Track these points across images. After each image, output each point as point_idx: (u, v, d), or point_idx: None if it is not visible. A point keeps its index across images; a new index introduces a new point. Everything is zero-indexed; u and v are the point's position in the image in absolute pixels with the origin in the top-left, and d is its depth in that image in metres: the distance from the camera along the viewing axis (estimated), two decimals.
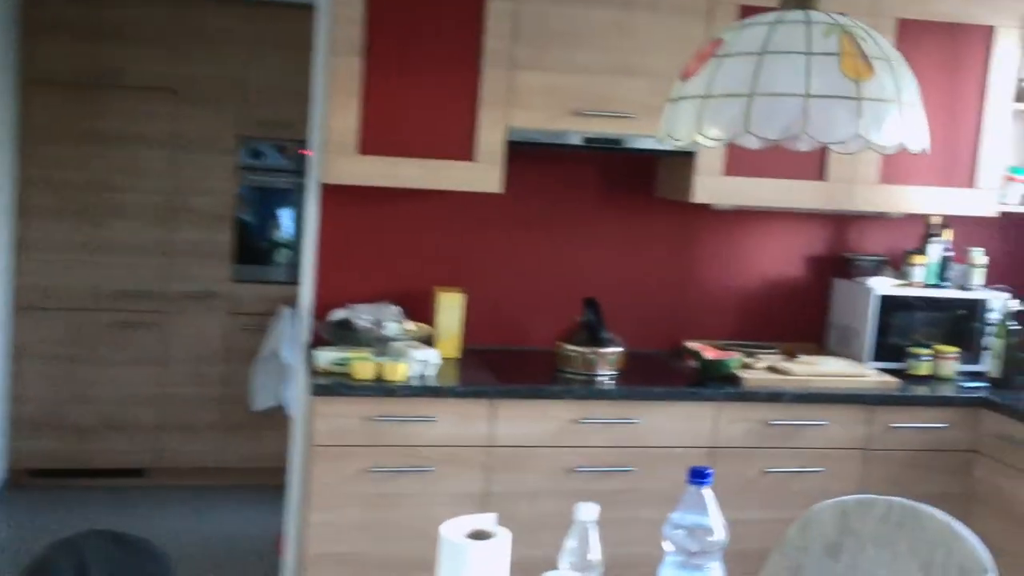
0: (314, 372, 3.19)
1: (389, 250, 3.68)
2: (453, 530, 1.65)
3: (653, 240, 3.80)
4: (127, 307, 5.04)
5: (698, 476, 1.69)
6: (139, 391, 5.06)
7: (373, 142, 3.33)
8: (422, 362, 3.21)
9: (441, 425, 3.11)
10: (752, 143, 1.87)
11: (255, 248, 5.18)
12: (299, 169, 5.12)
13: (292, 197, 5.17)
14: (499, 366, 3.41)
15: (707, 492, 1.67)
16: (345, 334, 3.37)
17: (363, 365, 3.13)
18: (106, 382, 5.03)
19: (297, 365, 3.72)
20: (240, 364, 5.10)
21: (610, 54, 3.36)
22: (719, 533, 1.66)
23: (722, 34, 1.78)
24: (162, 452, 5.09)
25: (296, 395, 3.70)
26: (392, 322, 3.39)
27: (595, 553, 1.68)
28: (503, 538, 1.65)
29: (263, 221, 5.19)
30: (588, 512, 1.68)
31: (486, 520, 1.68)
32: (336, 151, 3.30)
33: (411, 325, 3.42)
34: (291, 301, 5.05)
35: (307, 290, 3.67)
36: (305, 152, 5.15)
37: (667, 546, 1.68)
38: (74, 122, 4.94)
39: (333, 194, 3.64)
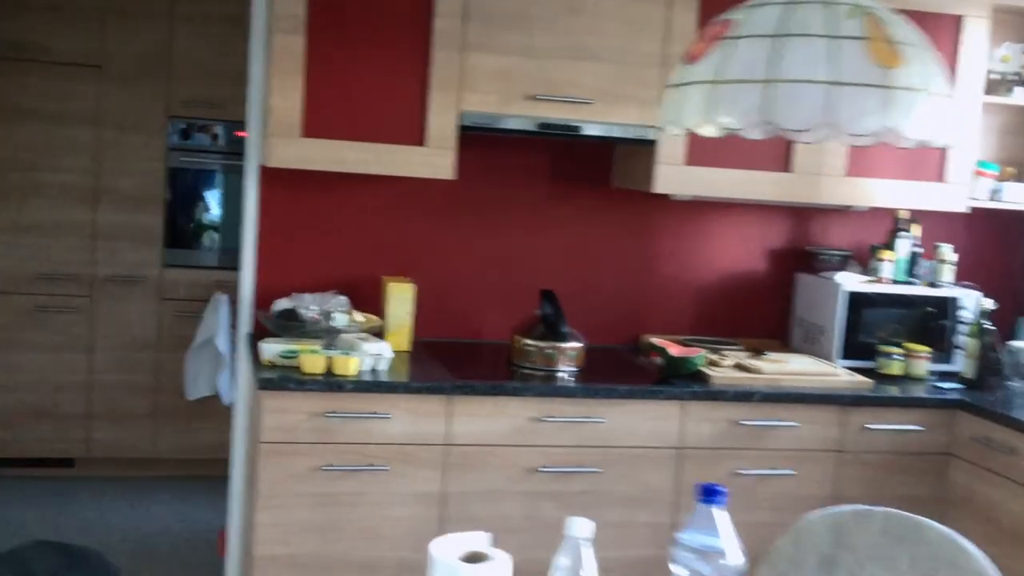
0: (259, 365, 2.93)
1: (333, 237, 3.41)
2: (445, 551, 1.43)
3: (610, 231, 3.59)
4: (51, 291, 4.67)
5: (710, 494, 1.49)
6: (66, 378, 4.71)
7: (317, 124, 3.05)
8: (374, 356, 2.96)
9: (395, 422, 2.88)
10: (756, 133, 1.67)
11: (186, 232, 4.84)
12: (232, 150, 4.81)
13: (224, 179, 4.85)
14: (453, 360, 3.18)
15: (720, 512, 1.48)
16: (290, 325, 3.11)
17: (312, 358, 2.88)
18: (31, 368, 4.67)
19: (237, 356, 3.43)
20: (172, 352, 4.78)
21: (564, 36, 3.13)
22: (735, 557, 1.47)
23: (732, 14, 1.57)
24: (92, 442, 4.75)
25: (238, 387, 3.42)
26: (340, 313, 3.13)
27: (590, 572, 1.47)
28: (502, 563, 1.43)
29: (194, 204, 4.85)
30: (582, 528, 1.47)
31: (479, 540, 1.47)
32: (278, 133, 3.02)
33: (360, 316, 3.17)
34: (225, 287, 4.75)
35: (247, 278, 3.38)
36: (240, 133, 4.84)
37: (677, 570, 1.48)
38: None
39: (274, 177, 3.36)
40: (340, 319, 3.12)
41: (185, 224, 4.84)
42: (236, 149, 4.81)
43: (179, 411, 4.80)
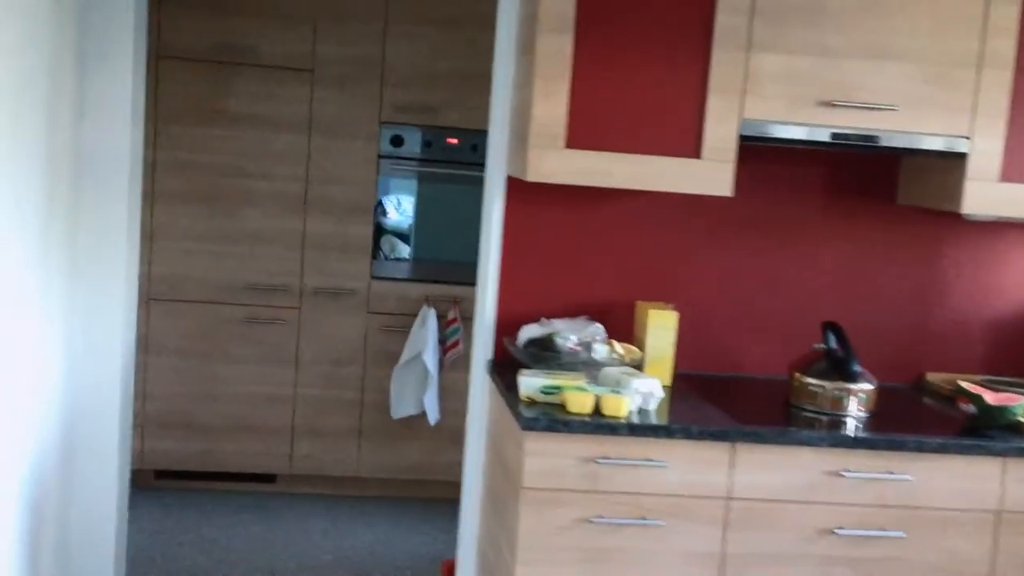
0: (514, 399, 2.61)
1: (581, 256, 3.08)
2: None
3: (892, 253, 3.14)
4: (259, 302, 4.51)
5: None
6: (271, 391, 4.54)
7: (583, 134, 2.72)
8: (644, 394, 2.61)
9: (672, 471, 2.52)
10: None
11: (395, 243, 4.61)
12: (445, 158, 4.55)
13: (436, 188, 4.59)
14: (722, 399, 2.80)
15: None
16: (545, 356, 2.79)
17: (579, 396, 2.54)
18: (236, 380, 4.52)
19: (475, 384, 3.14)
20: (378, 367, 4.55)
21: (862, 33, 2.71)
22: None
23: None
24: (295, 458, 4.56)
25: (477, 418, 3.13)
26: (599, 344, 2.80)
27: None
28: None
29: (404, 215, 4.61)
30: None
31: None
32: (541, 144, 2.70)
33: (620, 347, 2.83)
34: (433, 301, 4.50)
35: (488, 300, 3.08)
36: (452, 141, 4.59)
37: None
38: (204, 101, 4.40)
39: (517, 190, 3.05)
40: (600, 350, 2.78)
41: (394, 235, 4.61)
42: (449, 156, 4.55)
43: (384, 429, 4.57)
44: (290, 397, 4.54)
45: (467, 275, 4.57)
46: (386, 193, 4.59)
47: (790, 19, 2.71)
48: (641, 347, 2.91)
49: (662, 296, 3.08)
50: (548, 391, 2.62)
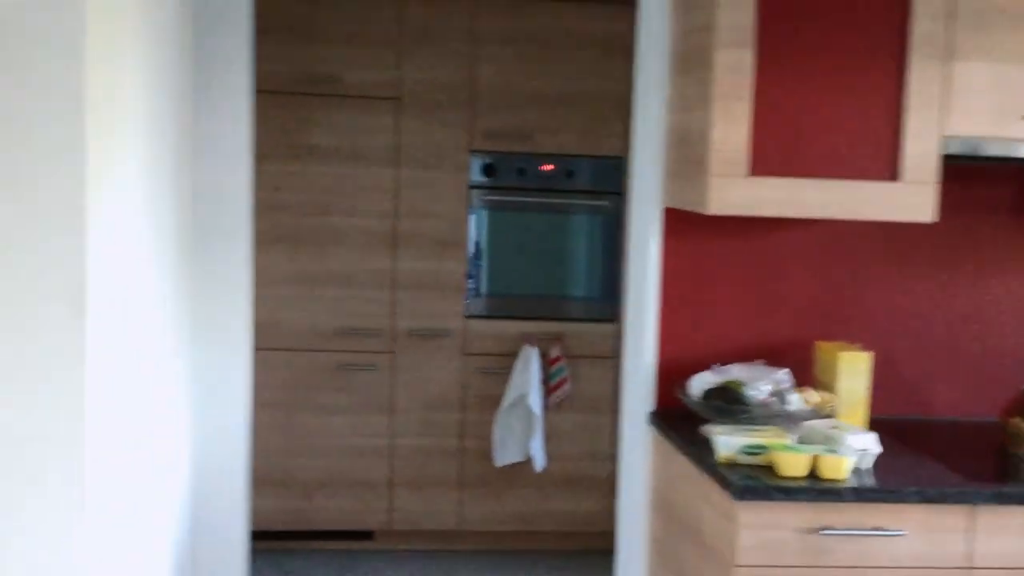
0: (711, 461, 2.29)
1: (747, 293, 2.76)
2: None
3: None
4: (349, 347, 4.17)
5: None
6: (366, 442, 4.19)
7: (767, 159, 2.41)
8: (859, 452, 2.28)
9: (906, 541, 2.18)
10: None
11: (491, 279, 4.28)
12: (542, 186, 4.23)
13: (533, 219, 4.26)
14: (933, 449, 2.47)
15: None
16: (730, 408, 2.46)
17: (792, 458, 2.21)
18: (329, 432, 4.17)
19: (630, 436, 2.81)
20: (478, 412, 4.21)
21: None
22: None
23: None
24: (393, 512, 4.22)
25: (636, 476, 2.79)
26: (793, 393, 2.47)
27: None
28: None
29: (499, 248, 4.28)
30: None
31: None
32: (722, 172, 2.39)
33: (815, 396, 2.49)
34: (534, 339, 4.17)
35: (646, 344, 2.75)
36: (547, 167, 4.27)
37: None
38: (285, 136, 4.08)
39: (673, 222, 2.74)
40: (794, 401, 2.45)
41: (490, 271, 4.28)
42: (544, 184, 4.23)
43: (486, 478, 4.22)
44: (386, 448, 4.20)
45: (567, 310, 4.25)
46: (478, 225, 4.26)
47: (995, 24, 2.40)
48: (822, 390, 2.58)
49: (843, 335, 2.74)
50: (750, 451, 2.29)
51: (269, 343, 4.09)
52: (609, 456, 4.17)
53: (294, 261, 4.13)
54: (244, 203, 2.92)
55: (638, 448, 2.79)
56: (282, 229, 4.11)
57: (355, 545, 4.26)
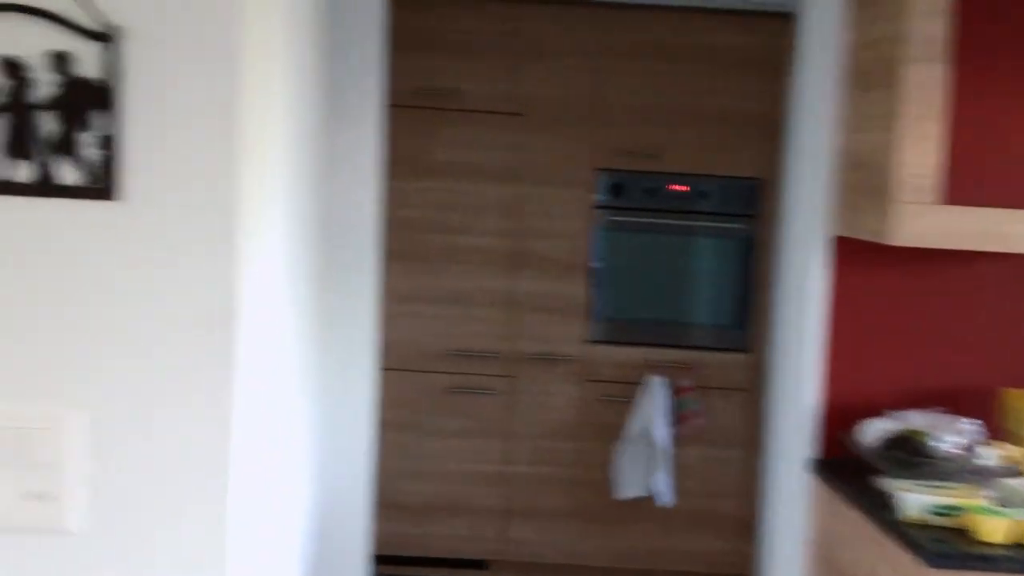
0: (894, 521, 2.05)
1: (921, 333, 2.51)
2: None
3: None
4: (465, 370, 4.01)
5: None
6: (480, 468, 4.02)
7: (961, 186, 2.17)
8: None
9: None
10: None
11: (614, 303, 4.07)
12: (669, 207, 4.02)
13: (660, 241, 4.05)
14: None
15: None
16: (911, 461, 2.22)
17: (992, 521, 1.97)
18: (442, 455, 4.01)
19: (785, 484, 2.58)
20: (597, 442, 4.01)
21: None
22: None
23: None
24: (508, 542, 4.04)
25: (789, 524, 2.56)
26: (985, 447, 2.22)
27: None
28: None
29: (624, 271, 4.08)
30: None
31: None
32: (910, 199, 2.15)
33: (1010, 449, 2.24)
34: (660, 367, 3.95)
35: (806, 384, 2.53)
36: (675, 187, 4.06)
37: None
38: (403, 151, 3.94)
39: (837, 253, 2.50)
40: (987, 455, 2.20)
41: (613, 294, 4.08)
42: (674, 205, 4.02)
43: (607, 511, 4.01)
44: (501, 474, 4.03)
45: (694, 338, 4.02)
46: (603, 246, 4.07)
47: None
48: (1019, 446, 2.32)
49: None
50: (941, 512, 2.04)
51: (382, 363, 3.95)
52: (740, 494, 3.93)
53: (409, 279, 3.99)
54: (373, 220, 2.79)
55: (794, 496, 2.56)
56: (398, 246, 3.98)
57: (468, 574, 4.09)
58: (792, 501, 2.57)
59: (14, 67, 1.23)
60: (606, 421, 4.00)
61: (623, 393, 3.98)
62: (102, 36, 1.22)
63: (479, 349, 4.00)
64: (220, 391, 1.27)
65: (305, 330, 2.28)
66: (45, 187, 1.25)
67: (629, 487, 3.94)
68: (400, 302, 3.99)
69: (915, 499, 2.06)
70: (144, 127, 1.24)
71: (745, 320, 3.98)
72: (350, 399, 2.80)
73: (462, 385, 4.00)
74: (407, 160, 3.94)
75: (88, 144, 1.25)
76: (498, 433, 4.02)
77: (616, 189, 4.01)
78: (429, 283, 3.99)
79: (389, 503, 3.99)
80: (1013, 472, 2.18)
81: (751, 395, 3.92)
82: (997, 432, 2.40)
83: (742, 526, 3.92)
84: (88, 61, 1.23)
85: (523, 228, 4.00)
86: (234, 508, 1.30)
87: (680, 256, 4.05)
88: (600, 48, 3.95)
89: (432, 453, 4.01)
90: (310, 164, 2.23)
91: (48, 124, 1.24)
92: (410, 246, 3.99)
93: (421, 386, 4.01)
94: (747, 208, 3.97)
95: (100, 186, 1.25)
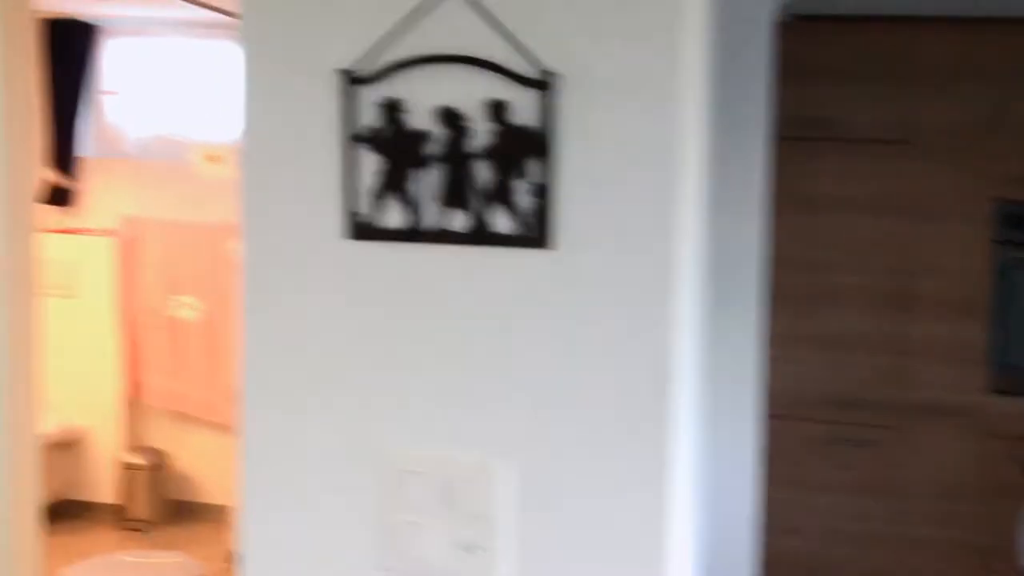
0: None
1: None
2: None
3: None
4: (843, 419, 3.75)
5: None
6: (861, 527, 3.73)
7: None
8: None
9: None
10: None
11: (1019, 349, 3.64)
12: None
13: None
14: None
15: None
16: None
17: None
18: (817, 511, 3.77)
19: None
20: (1001, 504, 3.58)
21: None
22: None
23: None
24: None
25: None
26: None
27: None
28: None
29: None
30: None
31: None
32: None
33: None
34: None
35: None
36: None
37: None
38: (784, 184, 3.76)
39: None
40: None
41: (1018, 339, 3.65)
42: None
43: None
44: (886, 536, 3.70)
45: None
46: (1003, 285, 3.65)
47: None
48: None
49: None
50: None
51: (765, 410, 3.78)
52: None
53: (779, 319, 3.79)
54: (758, 259, 2.67)
55: None
56: (770, 285, 3.80)
57: None
58: None
59: (453, 117, 1.24)
60: (1012, 481, 3.56)
61: None
62: (539, 83, 1.20)
63: (862, 397, 3.72)
64: (652, 451, 1.20)
65: (697, 380, 2.20)
66: (480, 235, 1.25)
67: None
68: (781, 345, 3.80)
69: None
70: (578, 174, 1.21)
71: None
72: (734, 449, 2.68)
73: (839, 436, 3.74)
74: (788, 194, 3.77)
75: (522, 192, 1.24)
76: (883, 490, 3.71)
77: (1017, 221, 3.60)
78: (804, 324, 3.78)
79: (771, 560, 3.80)
80: None
81: None
82: None
83: None
84: (524, 108, 1.22)
85: (911, 265, 3.69)
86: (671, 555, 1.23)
87: None
88: (1002, 71, 3.58)
89: (803, 506, 3.77)
90: (705, 204, 2.15)
91: (483, 173, 1.25)
92: (784, 285, 3.80)
93: (793, 434, 3.78)
94: None
95: (533, 235, 1.23)
